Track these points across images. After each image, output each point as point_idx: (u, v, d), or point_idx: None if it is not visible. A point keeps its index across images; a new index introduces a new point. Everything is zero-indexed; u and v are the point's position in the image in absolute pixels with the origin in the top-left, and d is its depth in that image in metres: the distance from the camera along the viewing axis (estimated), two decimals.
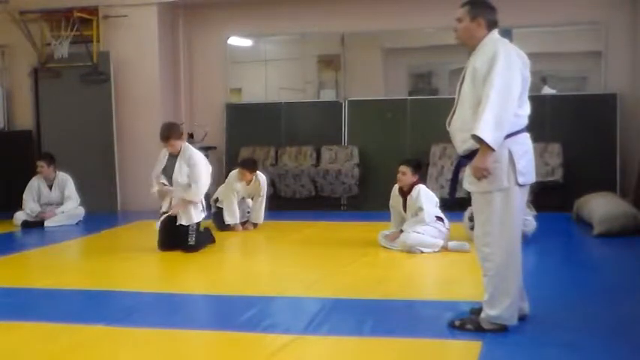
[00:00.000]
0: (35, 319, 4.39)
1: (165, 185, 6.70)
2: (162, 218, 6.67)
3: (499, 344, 3.71)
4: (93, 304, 4.84)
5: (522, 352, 3.63)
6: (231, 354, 3.78)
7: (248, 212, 8.11)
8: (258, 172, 8.10)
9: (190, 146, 6.89)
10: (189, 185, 6.62)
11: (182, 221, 6.61)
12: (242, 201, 8.06)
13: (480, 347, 3.66)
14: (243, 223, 7.98)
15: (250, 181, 7.98)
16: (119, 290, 5.31)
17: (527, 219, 6.14)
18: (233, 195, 7.85)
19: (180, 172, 6.65)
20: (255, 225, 8.06)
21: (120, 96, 10.04)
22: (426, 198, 6.44)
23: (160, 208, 6.82)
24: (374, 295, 4.85)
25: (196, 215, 6.66)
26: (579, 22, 9.47)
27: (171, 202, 6.70)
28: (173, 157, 6.73)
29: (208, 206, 7.20)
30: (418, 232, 6.33)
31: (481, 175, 3.74)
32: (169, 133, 6.66)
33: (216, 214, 7.97)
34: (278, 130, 10.36)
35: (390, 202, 6.77)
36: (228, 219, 7.83)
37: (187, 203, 6.63)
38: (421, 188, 6.48)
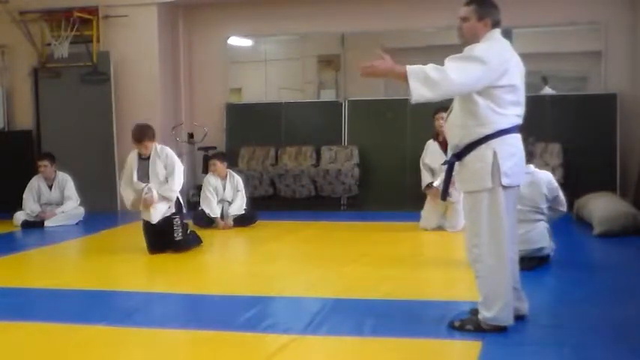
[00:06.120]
0: (35, 319, 4.39)
1: (141, 187, 6.56)
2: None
3: (499, 344, 3.71)
4: (93, 304, 4.84)
5: (522, 352, 3.63)
6: (231, 354, 3.78)
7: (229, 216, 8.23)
8: (230, 170, 8.39)
9: (162, 145, 6.82)
10: (165, 181, 6.59)
11: (152, 219, 6.53)
12: (222, 202, 8.21)
13: (480, 347, 3.65)
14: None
15: (225, 176, 8.20)
16: (119, 290, 5.32)
17: None
18: (208, 190, 8.05)
19: (156, 171, 6.58)
20: (236, 220, 8.11)
21: (120, 96, 10.04)
22: None
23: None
24: (374, 295, 4.85)
25: (165, 209, 6.57)
26: (579, 22, 9.48)
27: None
28: (144, 159, 6.66)
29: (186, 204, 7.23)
30: None
31: (364, 68, 3.78)
32: (143, 134, 6.57)
33: (197, 215, 8.10)
34: (278, 130, 10.36)
35: (426, 159, 7.34)
36: (209, 211, 8.00)
37: (161, 199, 6.56)
38: None
